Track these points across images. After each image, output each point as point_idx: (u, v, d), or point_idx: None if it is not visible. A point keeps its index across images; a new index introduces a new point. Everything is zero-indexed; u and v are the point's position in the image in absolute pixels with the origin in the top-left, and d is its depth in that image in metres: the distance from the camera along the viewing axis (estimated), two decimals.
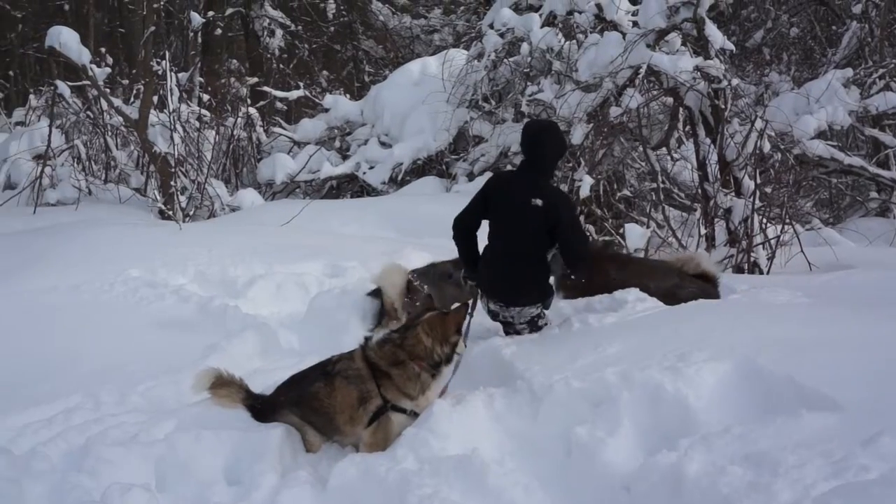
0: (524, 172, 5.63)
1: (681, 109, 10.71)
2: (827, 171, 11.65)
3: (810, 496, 2.85)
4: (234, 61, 20.43)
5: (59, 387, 5.10)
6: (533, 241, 5.49)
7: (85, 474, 3.87)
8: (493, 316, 5.68)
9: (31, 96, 19.22)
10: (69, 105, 13.07)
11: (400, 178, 13.26)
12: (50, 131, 12.30)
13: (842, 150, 11.59)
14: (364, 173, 13.52)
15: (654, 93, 10.92)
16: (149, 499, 3.54)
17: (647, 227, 10.03)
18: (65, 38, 11.52)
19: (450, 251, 8.08)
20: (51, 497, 3.73)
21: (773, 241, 9.20)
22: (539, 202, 5.35)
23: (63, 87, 12.63)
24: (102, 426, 4.45)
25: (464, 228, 5.71)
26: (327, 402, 4.45)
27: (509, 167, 11.52)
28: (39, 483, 3.79)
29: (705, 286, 6.22)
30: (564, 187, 9.49)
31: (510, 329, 5.66)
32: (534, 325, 5.61)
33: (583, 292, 6.05)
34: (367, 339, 4.65)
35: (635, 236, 9.27)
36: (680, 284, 6.16)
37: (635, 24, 10.94)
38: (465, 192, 11.09)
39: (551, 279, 5.70)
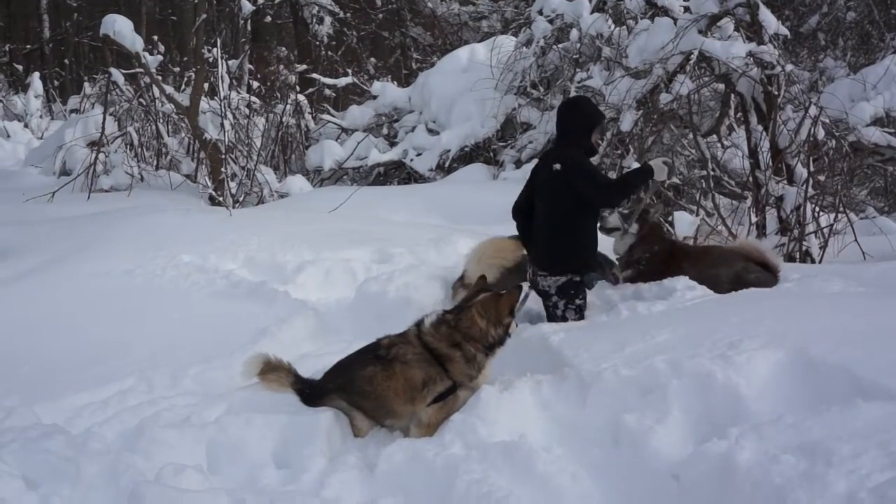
0: (554, 146, 6.05)
1: (732, 96, 10.59)
2: (883, 158, 11.45)
3: (866, 487, 2.81)
4: (283, 49, 20.59)
5: (114, 370, 5.20)
6: (561, 208, 5.73)
7: (139, 455, 3.94)
8: (534, 286, 5.95)
9: (86, 84, 19.60)
10: (122, 92, 13.25)
11: (447, 165, 13.27)
12: (104, 118, 12.46)
13: None
14: (411, 160, 13.54)
15: (706, 79, 10.80)
16: (201, 480, 3.59)
17: (697, 214, 9.95)
18: (119, 27, 11.65)
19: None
20: (106, 476, 3.79)
21: (825, 230, 9.07)
22: (558, 166, 5.66)
23: (117, 75, 12.80)
24: (155, 408, 4.53)
25: (517, 211, 6.09)
26: (384, 386, 4.47)
27: None
28: (95, 462, 3.85)
29: (768, 274, 6.23)
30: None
31: (550, 306, 5.82)
32: (569, 300, 5.76)
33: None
34: (420, 321, 4.66)
35: (684, 224, 9.20)
36: (747, 268, 6.23)
37: (687, 9, 10.82)
38: (512, 180, 11.07)
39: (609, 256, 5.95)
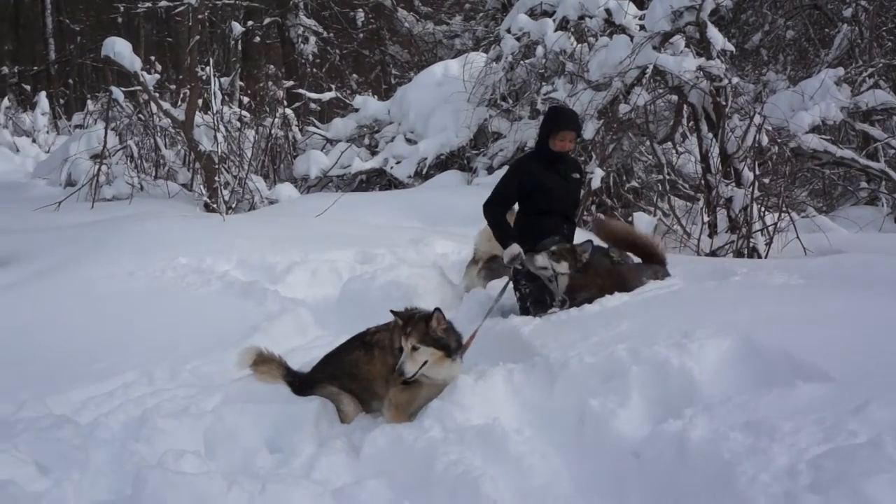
0: None
1: (685, 106, 10.64)
2: (820, 163, 11.62)
3: (804, 459, 2.85)
4: (272, 66, 20.45)
5: (118, 364, 5.17)
6: None
7: (142, 442, 3.94)
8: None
9: (89, 101, 19.45)
10: (123, 109, 13.18)
11: (424, 171, 13.23)
12: (106, 133, 12.37)
13: (834, 144, 11.57)
14: (391, 168, 13.50)
15: (660, 91, 10.86)
16: (199, 464, 3.58)
17: (654, 215, 10.02)
18: (119, 48, 11.57)
19: (468, 239, 8.08)
20: (112, 462, 3.81)
21: (770, 228, 9.15)
22: None
23: (117, 93, 12.72)
24: (157, 399, 4.52)
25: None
26: (366, 369, 4.56)
27: None
28: (102, 450, 3.87)
29: (663, 268, 6.15)
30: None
31: (536, 290, 5.75)
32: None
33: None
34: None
35: (643, 224, 9.26)
36: (656, 273, 6.03)
37: (642, 27, 10.89)
38: (484, 185, 11.07)
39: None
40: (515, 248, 5.57)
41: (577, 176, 6.18)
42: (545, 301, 5.69)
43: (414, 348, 4.26)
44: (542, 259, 5.54)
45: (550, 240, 5.64)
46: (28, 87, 25.91)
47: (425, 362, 4.29)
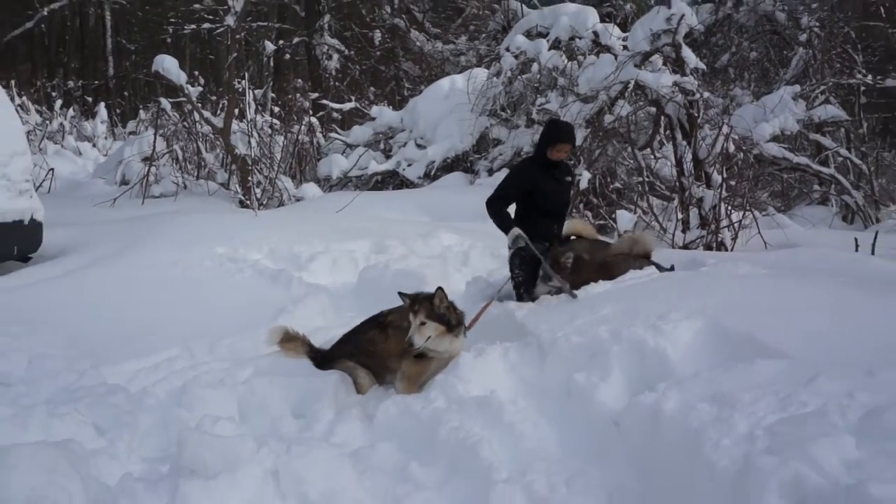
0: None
1: (662, 117, 10.62)
2: (779, 168, 11.68)
3: (761, 426, 2.84)
4: (299, 80, 20.40)
5: (163, 340, 5.18)
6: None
7: (184, 408, 3.96)
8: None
9: (141, 111, 19.51)
10: (170, 117, 13.19)
11: (433, 173, 13.23)
12: (155, 138, 12.42)
13: (791, 151, 11.65)
14: (403, 170, 13.50)
15: (640, 103, 10.83)
16: (233, 428, 3.57)
17: (635, 213, 10.00)
18: (167, 65, 11.59)
19: (471, 233, 8.06)
20: (158, 426, 3.84)
21: (736, 225, 9.14)
22: None
23: (165, 104, 12.76)
24: (196, 371, 4.53)
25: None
26: (381, 347, 4.54)
27: None
28: (149, 414, 3.89)
29: (643, 259, 6.04)
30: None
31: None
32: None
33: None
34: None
35: (625, 220, 9.26)
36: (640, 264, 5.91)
37: (625, 47, 10.87)
38: (486, 185, 11.08)
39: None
40: (516, 231, 5.57)
41: (569, 179, 6.16)
42: (534, 285, 5.68)
43: (421, 323, 4.27)
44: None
45: (539, 245, 5.65)
46: (90, 99, 25.98)
47: (429, 337, 4.30)
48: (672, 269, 6.03)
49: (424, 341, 4.28)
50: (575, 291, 5.25)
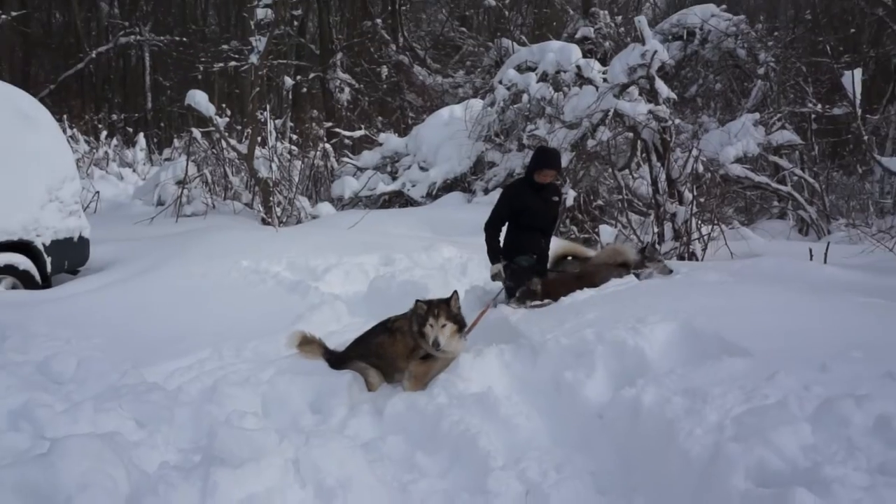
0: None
1: (639, 141, 10.67)
2: (743, 186, 11.73)
3: (729, 417, 2.86)
4: (315, 111, 20.44)
5: (194, 344, 5.17)
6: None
7: (214, 404, 3.95)
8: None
9: (175, 140, 19.52)
10: (200, 145, 13.21)
11: (434, 192, 13.25)
12: (187, 164, 12.45)
13: (753, 171, 11.69)
14: (408, 190, 13.52)
15: (619, 129, 10.87)
16: (257, 422, 3.57)
17: (616, 227, 10.01)
18: (198, 98, 11.62)
19: (469, 246, 8.05)
20: (192, 419, 3.83)
21: (705, 237, 9.15)
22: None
23: (196, 133, 12.81)
24: (224, 371, 4.53)
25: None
26: (391, 350, 4.53)
27: None
28: (184, 410, 3.89)
29: (621, 269, 5.96)
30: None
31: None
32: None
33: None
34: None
35: (607, 234, 9.28)
36: (620, 274, 5.83)
37: (605, 80, 10.91)
38: (482, 203, 11.10)
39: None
40: (496, 268, 5.68)
41: (556, 199, 6.16)
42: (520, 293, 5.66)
43: (443, 325, 4.29)
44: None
45: (527, 258, 5.66)
46: (131, 130, 26.18)
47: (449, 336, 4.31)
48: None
49: (447, 340, 4.28)
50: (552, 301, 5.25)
